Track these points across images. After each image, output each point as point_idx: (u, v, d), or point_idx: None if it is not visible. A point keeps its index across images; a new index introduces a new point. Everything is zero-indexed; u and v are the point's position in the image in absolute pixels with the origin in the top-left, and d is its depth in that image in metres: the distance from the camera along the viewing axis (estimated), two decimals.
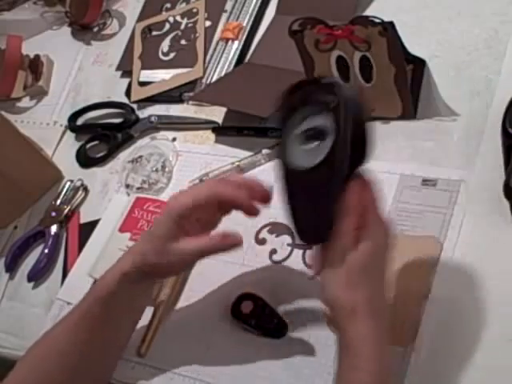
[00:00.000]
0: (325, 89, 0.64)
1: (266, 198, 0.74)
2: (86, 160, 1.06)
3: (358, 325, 0.62)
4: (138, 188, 0.98)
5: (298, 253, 0.82)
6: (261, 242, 0.85)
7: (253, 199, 0.73)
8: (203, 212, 0.74)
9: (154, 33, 1.13)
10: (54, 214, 1.00)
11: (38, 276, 0.96)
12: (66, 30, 1.24)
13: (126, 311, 0.77)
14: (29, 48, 1.20)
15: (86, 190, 1.02)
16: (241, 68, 1.02)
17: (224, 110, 0.99)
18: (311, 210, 0.65)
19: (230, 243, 0.73)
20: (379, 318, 0.63)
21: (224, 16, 1.09)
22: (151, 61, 1.10)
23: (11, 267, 0.98)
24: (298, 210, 0.66)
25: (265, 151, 0.91)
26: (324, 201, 0.64)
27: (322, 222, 0.64)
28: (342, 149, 0.62)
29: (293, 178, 0.66)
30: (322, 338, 0.75)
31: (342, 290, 0.63)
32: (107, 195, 1.00)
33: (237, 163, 0.92)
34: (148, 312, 0.84)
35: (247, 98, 0.95)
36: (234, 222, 0.88)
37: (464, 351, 0.69)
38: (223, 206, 0.75)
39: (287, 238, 0.84)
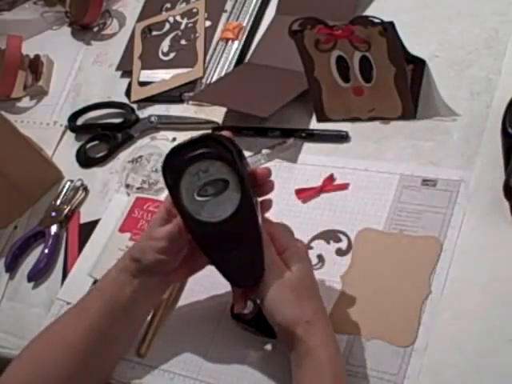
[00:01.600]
0: (203, 144, 0.67)
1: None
2: (86, 160, 1.06)
3: (316, 333, 0.67)
4: (138, 188, 0.98)
5: None
6: None
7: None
8: None
9: (154, 33, 1.13)
10: (53, 213, 1.00)
11: (38, 276, 0.96)
12: (66, 30, 1.24)
13: (129, 310, 0.77)
14: (29, 48, 1.20)
15: (85, 189, 1.02)
16: (241, 68, 1.02)
17: (224, 110, 0.99)
18: (238, 257, 0.69)
19: None
20: (328, 322, 0.69)
21: (224, 16, 1.09)
22: (151, 61, 1.10)
23: (11, 267, 0.98)
24: (225, 260, 0.70)
25: (265, 151, 0.91)
26: (248, 244, 0.68)
27: (254, 264, 0.69)
28: (250, 193, 0.67)
29: (209, 231, 0.68)
30: None
31: (292, 308, 0.68)
32: (107, 195, 1.00)
33: None
34: None
35: (247, 98, 0.95)
36: None
37: (464, 351, 0.69)
38: None
39: None
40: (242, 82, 0.99)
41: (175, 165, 0.67)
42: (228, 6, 1.10)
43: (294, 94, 0.91)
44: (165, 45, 1.11)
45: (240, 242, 0.68)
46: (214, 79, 1.03)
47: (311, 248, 0.82)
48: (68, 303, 0.90)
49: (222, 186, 0.67)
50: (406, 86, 0.84)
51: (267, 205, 0.73)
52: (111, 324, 0.76)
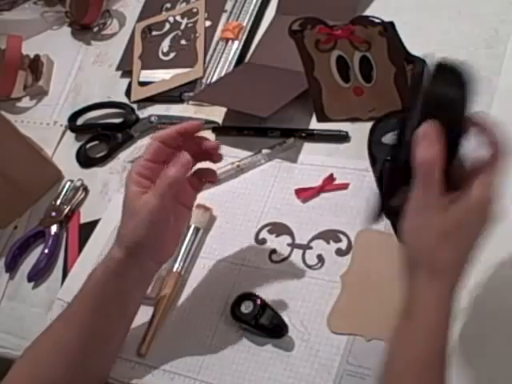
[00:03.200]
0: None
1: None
2: (86, 160, 1.06)
3: (432, 289, 0.59)
4: None
5: (297, 253, 0.82)
6: (261, 242, 0.85)
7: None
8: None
9: (154, 33, 1.13)
10: (53, 213, 1.00)
11: (38, 276, 0.96)
12: (66, 30, 1.24)
13: (122, 293, 0.77)
14: (29, 48, 1.20)
15: (85, 190, 1.02)
16: (241, 68, 1.02)
17: (224, 110, 0.99)
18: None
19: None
20: (455, 283, 0.60)
21: (224, 16, 1.09)
22: (151, 61, 1.10)
23: (11, 267, 0.98)
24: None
25: (265, 151, 0.91)
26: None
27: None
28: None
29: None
30: (322, 337, 0.75)
31: (424, 247, 0.60)
32: (107, 195, 1.00)
33: (237, 163, 0.92)
34: (148, 312, 0.84)
35: (247, 98, 0.95)
36: (233, 222, 0.88)
37: (464, 351, 0.69)
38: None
39: (287, 238, 0.84)
40: (241, 81, 0.99)
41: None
42: (228, 6, 1.10)
43: (294, 94, 0.91)
44: (165, 45, 1.11)
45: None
46: (214, 79, 1.03)
47: (311, 248, 0.82)
48: (68, 303, 0.91)
49: None
50: (406, 86, 0.84)
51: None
52: (103, 318, 0.76)
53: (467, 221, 0.59)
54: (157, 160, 0.75)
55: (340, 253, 0.80)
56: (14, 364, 0.76)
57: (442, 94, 0.59)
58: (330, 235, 0.82)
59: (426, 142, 0.58)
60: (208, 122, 0.99)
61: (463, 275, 0.60)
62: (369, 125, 0.81)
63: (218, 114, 0.99)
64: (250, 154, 0.92)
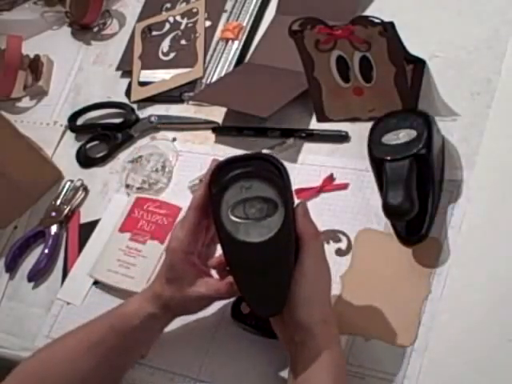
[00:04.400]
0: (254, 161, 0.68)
1: None
2: (86, 160, 1.06)
3: (330, 332, 0.67)
4: (138, 188, 0.98)
5: None
6: None
7: None
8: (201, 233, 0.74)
9: (154, 33, 1.13)
10: (53, 213, 1.00)
11: (38, 276, 0.96)
12: (66, 30, 1.24)
13: (142, 344, 0.78)
14: (29, 48, 1.20)
15: (85, 190, 1.02)
16: (241, 68, 1.02)
17: (224, 110, 0.99)
18: (266, 283, 0.66)
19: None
20: (336, 322, 0.69)
21: (224, 16, 1.09)
22: (151, 61, 1.10)
23: (11, 267, 0.98)
24: (252, 285, 0.67)
25: (265, 151, 0.91)
26: (281, 271, 0.66)
27: (280, 294, 0.66)
28: (291, 221, 0.66)
29: (245, 251, 0.66)
30: None
31: (318, 307, 0.67)
32: (107, 195, 1.00)
33: None
34: None
35: (247, 98, 0.95)
36: None
37: (464, 351, 0.69)
38: None
39: None
40: (241, 81, 0.99)
41: (223, 177, 0.66)
42: (228, 6, 1.10)
43: (294, 94, 0.91)
44: (165, 45, 1.11)
45: (273, 268, 0.66)
46: (214, 79, 1.03)
47: None
48: (68, 303, 0.91)
49: (262, 207, 0.66)
50: (406, 86, 0.84)
51: None
52: (121, 358, 0.76)
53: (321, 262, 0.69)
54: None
55: (340, 253, 0.80)
56: (14, 370, 0.75)
57: None
58: (329, 235, 0.82)
59: None
60: (208, 122, 0.99)
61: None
62: (369, 125, 0.81)
63: (218, 114, 0.99)
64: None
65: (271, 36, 1.03)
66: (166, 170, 0.98)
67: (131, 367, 0.80)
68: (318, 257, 0.68)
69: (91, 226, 0.97)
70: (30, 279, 0.96)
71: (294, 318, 0.66)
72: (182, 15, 1.13)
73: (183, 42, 1.10)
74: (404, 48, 0.83)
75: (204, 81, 1.04)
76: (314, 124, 0.92)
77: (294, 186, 0.86)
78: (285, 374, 0.74)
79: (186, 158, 0.98)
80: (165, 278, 0.73)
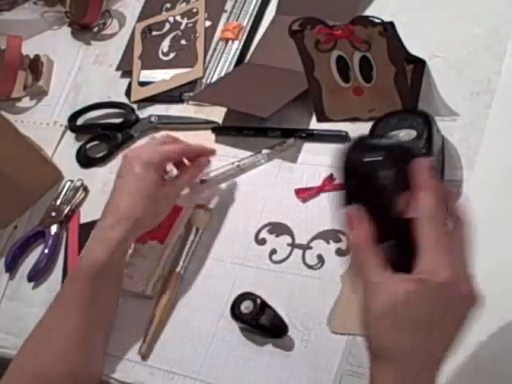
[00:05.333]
0: None
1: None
2: (86, 160, 1.06)
3: (380, 371, 0.55)
4: None
5: (297, 253, 0.82)
6: (261, 242, 0.85)
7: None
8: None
9: (154, 33, 1.13)
10: (53, 213, 1.00)
11: (38, 276, 0.96)
12: (66, 30, 1.24)
13: (117, 279, 0.82)
14: (29, 48, 1.20)
15: (85, 190, 1.02)
16: (241, 68, 1.02)
17: (224, 110, 0.99)
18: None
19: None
20: (408, 371, 0.54)
21: (224, 16, 1.09)
22: (151, 61, 1.10)
23: (11, 267, 0.98)
24: None
25: (265, 151, 0.91)
26: None
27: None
28: None
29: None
30: (322, 337, 0.75)
31: (371, 331, 0.56)
32: (107, 195, 0.99)
33: (237, 163, 0.92)
34: (148, 312, 0.84)
35: (247, 98, 0.95)
36: (233, 222, 0.88)
37: (464, 351, 0.69)
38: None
39: (287, 238, 0.84)
40: (241, 82, 0.99)
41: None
42: (228, 6, 1.10)
43: (294, 94, 0.91)
44: (165, 45, 1.11)
45: None
46: (214, 79, 1.03)
47: (311, 248, 0.82)
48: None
49: None
50: (406, 86, 0.84)
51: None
52: (99, 287, 0.78)
53: (421, 303, 0.53)
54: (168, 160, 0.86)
55: (340, 253, 0.80)
56: (10, 364, 0.77)
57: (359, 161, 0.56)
58: (329, 235, 0.82)
59: (351, 225, 0.56)
60: (208, 122, 0.99)
61: (430, 362, 0.54)
62: (369, 125, 0.81)
63: (218, 113, 0.99)
64: (250, 153, 0.92)
65: (271, 36, 1.03)
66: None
67: (114, 317, 0.83)
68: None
69: (91, 225, 0.96)
70: (30, 279, 0.95)
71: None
72: (182, 15, 1.13)
73: (183, 42, 1.10)
74: (404, 48, 0.83)
75: (204, 81, 1.04)
76: (314, 124, 0.92)
77: (295, 186, 0.87)
78: (284, 374, 0.75)
79: None
80: (130, 193, 0.80)
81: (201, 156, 0.88)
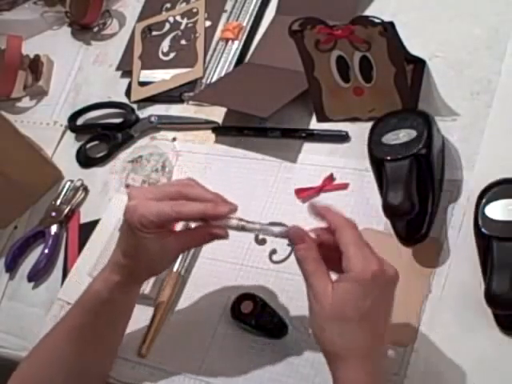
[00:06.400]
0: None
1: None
2: (86, 160, 1.06)
3: (342, 369, 0.62)
4: None
5: None
6: (261, 242, 0.85)
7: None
8: None
9: (154, 33, 1.13)
10: (54, 213, 1.00)
11: (38, 276, 0.96)
12: (66, 30, 1.24)
13: (117, 318, 0.78)
14: (29, 48, 1.20)
15: (85, 190, 1.02)
16: (241, 68, 1.02)
17: (224, 110, 0.99)
18: None
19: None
20: (365, 362, 0.62)
21: (224, 16, 1.09)
22: (151, 61, 1.10)
23: (11, 267, 0.98)
24: None
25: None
26: None
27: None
28: None
29: None
30: None
31: (324, 335, 0.62)
32: (107, 195, 1.00)
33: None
34: (148, 312, 0.84)
35: (247, 98, 0.95)
36: None
37: (464, 351, 0.69)
38: None
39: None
40: (241, 82, 0.99)
41: None
42: (228, 6, 1.10)
43: (294, 94, 0.91)
44: (165, 45, 1.11)
45: None
46: (214, 79, 1.03)
47: None
48: (68, 303, 0.91)
49: None
50: (406, 86, 0.84)
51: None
52: (94, 319, 0.75)
53: (357, 297, 0.61)
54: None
55: None
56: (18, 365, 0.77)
57: None
58: None
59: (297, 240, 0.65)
60: (208, 122, 0.99)
61: (373, 355, 0.62)
62: (369, 125, 0.81)
63: (217, 114, 0.99)
64: (249, 153, 0.93)
65: (271, 36, 1.03)
66: (166, 169, 0.98)
67: (118, 344, 0.80)
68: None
69: (91, 225, 0.97)
70: (29, 279, 0.96)
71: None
72: (182, 15, 1.13)
73: (183, 42, 1.10)
74: (404, 48, 0.83)
75: (204, 81, 1.04)
76: (314, 124, 0.92)
77: (295, 186, 0.87)
78: (284, 373, 0.75)
79: (186, 158, 0.98)
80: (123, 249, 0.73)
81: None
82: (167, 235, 0.72)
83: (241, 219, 0.71)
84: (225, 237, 0.72)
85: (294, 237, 0.66)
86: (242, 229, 0.71)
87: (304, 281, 0.65)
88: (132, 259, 0.72)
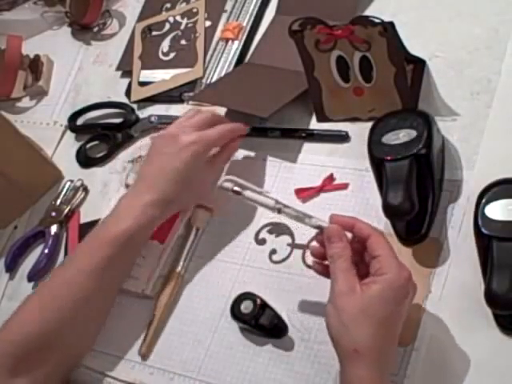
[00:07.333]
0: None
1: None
2: (86, 160, 1.06)
3: (359, 366, 0.64)
4: None
5: (297, 253, 0.82)
6: (261, 242, 0.85)
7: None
8: None
9: (154, 33, 1.13)
10: (54, 213, 1.00)
11: (38, 276, 0.95)
12: (66, 30, 1.24)
13: (138, 254, 0.85)
14: (29, 48, 1.20)
15: (85, 190, 1.02)
16: (241, 68, 1.02)
17: (224, 110, 0.99)
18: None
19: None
20: (381, 361, 0.64)
21: (224, 16, 1.09)
22: (151, 61, 1.10)
23: (11, 267, 0.98)
24: None
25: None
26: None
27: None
28: None
29: None
30: (322, 338, 0.75)
31: (346, 331, 0.65)
32: (107, 195, 1.00)
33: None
34: (148, 312, 0.84)
35: (247, 98, 0.95)
36: (233, 222, 0.88)
37: (464, 351, 0.69)
38: None
39: (287, 238, 0.84)
40: (241, 82, 0.99)
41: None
42: (228, 6, 1.10)
43: (294, 94, 0.91)
44: (165, 45, 1.11)
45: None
46: (214, 79, 1.03)
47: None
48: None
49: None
50: (406, 86, 0.84)
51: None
52: (123, 257, 0.81)
53: (387, 300, 0.65)
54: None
55: None
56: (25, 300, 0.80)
57: None
58: None
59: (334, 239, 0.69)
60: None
61: (388, 355, 0.65)
62: (369, 125, 0.81)
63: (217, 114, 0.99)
64: (249, 153, 0.93)
65: (271, 36, 1.03)
66: None
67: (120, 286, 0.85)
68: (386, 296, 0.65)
69: (91, 225, 0.96)
70: (29, 279, 0.95)
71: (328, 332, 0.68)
72: (182, 15, 1.13)
73: (183, 42, 1.10)
74: (404, 48, 0.83)
75: (204, 81, 1.04)
76: (314, 124, 0.92)
77: (294, 186, 0.87)
78: (284, 373, 0.75)
79: None
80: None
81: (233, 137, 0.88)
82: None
83: (278, 202, 0.75)
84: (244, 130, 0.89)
85: (333, 234, 0.69)
86: (279, 211, 0.74)
87: (331, 278, 0.68)
88: (186, 190, 0.82)
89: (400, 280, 0.65)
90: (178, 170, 0.82)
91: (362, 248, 0.69)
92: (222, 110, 0.99)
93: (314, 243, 0.74)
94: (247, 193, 0.77)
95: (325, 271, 0.72)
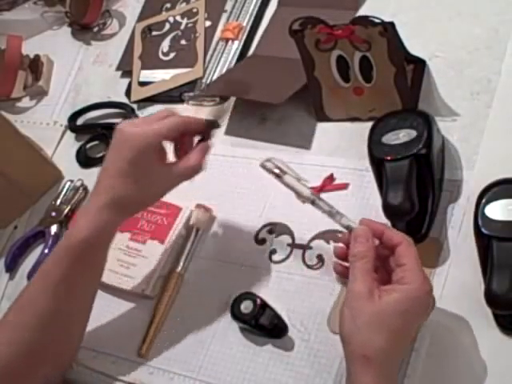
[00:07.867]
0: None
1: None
2: (86, 160, 1.06)
3: (367, 373, 0.62)
4: None
5: (297, 253, 0.82)
6: (261, 242, 0.85)
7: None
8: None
9: (154, 33, 1.13)
10: (54, 213, 1.00)
11: None
12: (66, 30, 1.24)
13: (102, 260, 0.80)
14: (29, 48, 1.20)
15: (85, 190, 1.02)
16: (246, 60, 1.02)
17: (224, 110, 0.98)
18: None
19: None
20: (389, 371, 0.64)
21: (224, 16, 1.09)
22: (151, 61, 1.10)
23: (11, 267, 0.98)
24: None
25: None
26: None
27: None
28: None
29: None
30: (322, 337, 0.75)
31: (358, 335, 0.63)
32: None
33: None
34: (148, 312, 0.84)
35: (258, 88, 0.94)
36: (233, 222, 0.88)
37: (464, 351, 0.69)
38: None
39: (287, 238, 0.84)
40: (249, 73, 0.99)
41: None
42: (228, 6, 1.10)
43: (303, 81, 0.90)
44: (165, 45, 1.11)
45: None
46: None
47: (311, 248, 0.82)
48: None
49: None
50: (406, 86, 0.84)
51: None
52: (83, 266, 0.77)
53: (405, 310, 0.63)
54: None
55: None
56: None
57: None
58: (329, 235, 0.81)
59: (360, 239, 0.67)
60: (208, 122, 0.98)
61: (396, 366, 0.65)
62: (369, 125, 0.81)
63: (217, 114, 0.99)
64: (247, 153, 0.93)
65: (274, 27, 1.02)
66: None
67: (96, 290, 0.81)
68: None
69: None
70: (29, 279, 0.95)
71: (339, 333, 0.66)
72: (182, 15, 1.13)
73: (183, 42, 1.10)
74: (404, 48, 0.83)
75: (204, 81, 1.04)
76: (315, 124, 0.91)
77: None
78: (284, 374, 0.75)
79: None
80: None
81: (202, 132, 0.82)
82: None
83: (313, 193, 0.73)
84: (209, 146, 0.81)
85: (361, 234, 0.67)
86: (313, 202, 0.73)
87: (350, 279, 0.66)
88: (138, 187, 0.76)
89: (421, 293, 0.63)
90: (124, 167, 0.75)
91: (388, 254, 0.68)
92: (222, 110, 0.99)
93: (340, 244, 0.72)
94: (286, 177, 0.75)
95: (345, 272, 0.69)
